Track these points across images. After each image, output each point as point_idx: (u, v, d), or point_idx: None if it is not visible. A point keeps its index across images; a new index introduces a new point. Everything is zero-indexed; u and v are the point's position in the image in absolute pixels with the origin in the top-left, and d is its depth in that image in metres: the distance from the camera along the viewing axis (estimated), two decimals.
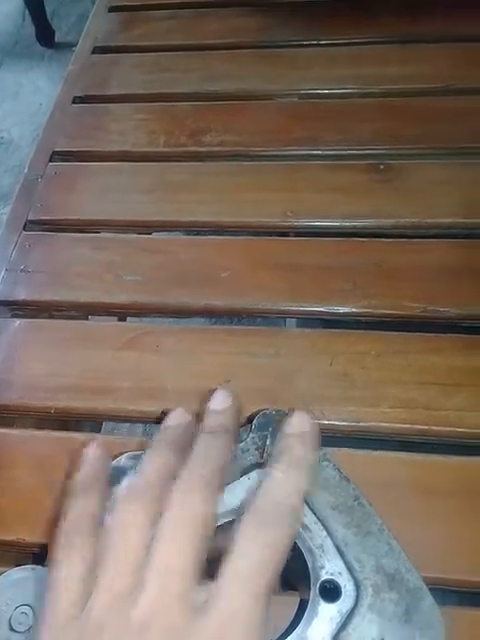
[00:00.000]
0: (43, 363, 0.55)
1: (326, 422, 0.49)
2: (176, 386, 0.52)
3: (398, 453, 0.48)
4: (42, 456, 0.50)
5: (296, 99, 0.73)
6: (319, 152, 0.68)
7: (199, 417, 0.38)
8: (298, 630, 0.31)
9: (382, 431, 0.49)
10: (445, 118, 0.68)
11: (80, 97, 0.77)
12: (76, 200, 0.68)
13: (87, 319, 0.62)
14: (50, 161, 0.71)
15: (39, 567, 0.39)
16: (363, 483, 0.39)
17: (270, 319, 0.60)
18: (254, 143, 0.70)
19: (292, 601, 0.38)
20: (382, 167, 0.65)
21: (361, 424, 0.50)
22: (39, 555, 0.46)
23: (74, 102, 0.77)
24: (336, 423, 0.50)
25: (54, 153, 0.72)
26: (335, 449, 0.46)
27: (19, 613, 0.37)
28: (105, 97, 0.77)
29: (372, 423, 0.50)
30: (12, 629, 0.36)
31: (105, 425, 0.57)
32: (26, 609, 0.37)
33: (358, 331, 0.55)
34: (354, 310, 0.56)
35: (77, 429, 0.54)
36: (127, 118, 0.75)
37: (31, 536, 0.45)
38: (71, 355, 0.55)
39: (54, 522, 0.45)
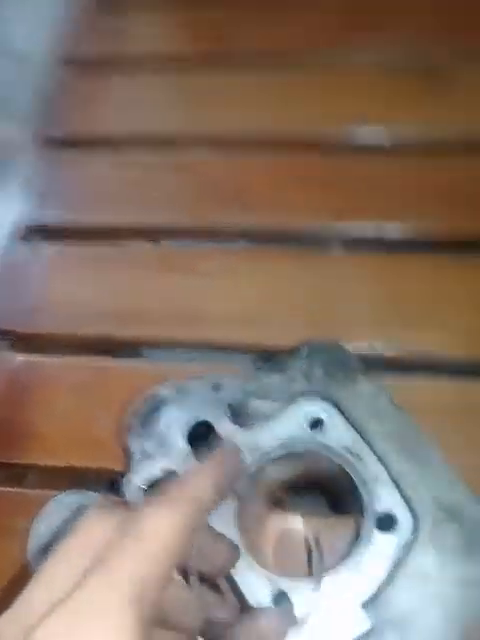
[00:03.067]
0: (76, 289, 0.53)
1: (376, 349, 0.47)
2: (216, 311, 0.50)
3: (453, 381, 0.45)
4: (82, 382, 0.49)
5: None
6: (371, 57, 0.62)
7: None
8: (355, 561, 0.30)
9: (437, 359, 0.46)
10: None
11: (101, 1, 0.71)
12: (98, 114, 0.64)
13: (116, 242, 0.60)
14: (69, 70, 0.66)
15: (88, 492, 0.38)
16: (415, 412, 0.36)
17: (314, 241, 0.57)
18: (293, 48, 0.64)
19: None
20: (439, 74, 0.59)
21: (414, 351, 0.47)
22: (92, 479, 0.46)
23: (95, 5, 0.71)
24: (383, 350, 0.47)
25: (73, 62, 0.67)
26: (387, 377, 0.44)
27: None
28: (127, 2, 0.70)
29: (426, 350, 0.47)
30: None
31: (144, 352, 0.56)
32: None
33: (410, 253, 0.51)
34: (405, 231, 0.53)
35: (116, 355, 0.53)
36: (153, 22, 0.69)
37: (80, 461, 0.45)
38: (105, 280, 0.53)
39: (100, 446, 0.46)
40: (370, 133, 0.58)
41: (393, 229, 0.52)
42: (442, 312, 0.48)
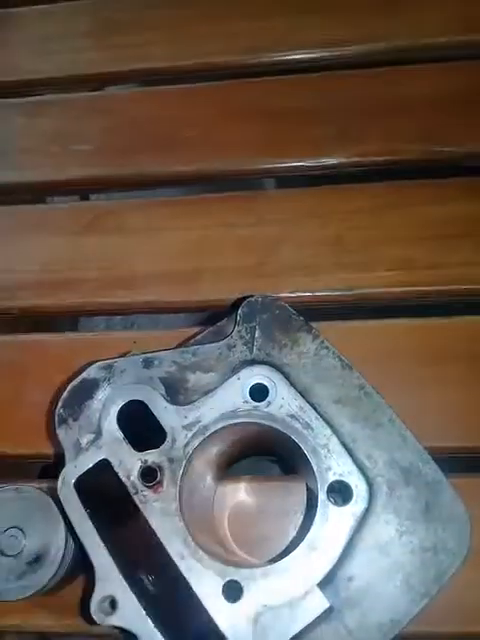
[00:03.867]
0: None
1: (318, 294, 0.45)
2: (148, 270, 0.46)
3: (397, 319, 0.44)
4: (9, 363, 0.45)
5: None
6: None
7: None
8: (308, 538, 0.28)
9: (379, 297, 0.45)
10: None
11: None
12: (6, 56, 0.57)
13: (43, 202, 0.55)
14: None
15: (24, 486, 0.36)
16: (360, 356, 0.34)
17: (248, 181, 0.53)
18: None
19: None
20: None
21: (355, 292, 0.45)
22: (20, 466, 0.43)
23: None
24: (328, 294, 0.45)
25: None
26: (329, 323, 0.41)
27: (8, 537, 0.34)
28: None
29: (368, 290, 0.45)
30: (3, 554, 0.34)
31: (82, 321, 0.52)
32: (15, 532, 0.34)
33: (349, 185, 0.48)
34: (343, 160, 0.49)
35: (49, 329, 0.49)
36: None
37: (11, 448, 0.42)
38: (26, 246, 0.49)
39: (32, 433, 0.43)
40: (300, 56, 0.53)
41: (332, 160, 0.49)
42: (384, 248, 0.45)
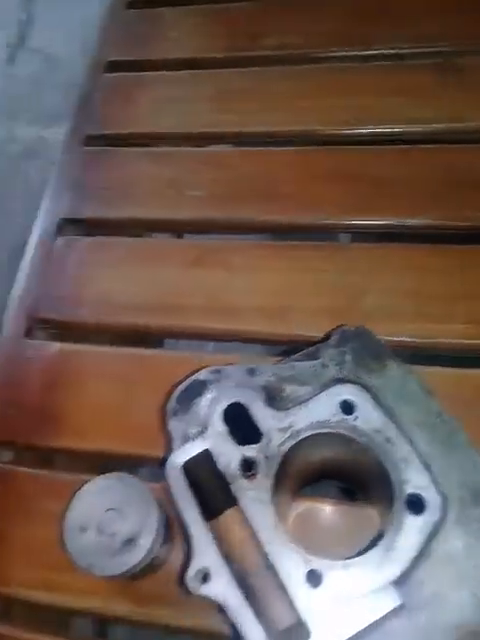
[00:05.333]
0: (112, 281, 0.55)
1: (398, 339, 0.48)
2: (245, 304, 0.52)
3: (473, 369, 0.47)
4: (117, 372, 0.51)
5: None
6: (384, 51, 0.63)
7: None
8: (385, 541, 0.31)
9: (456, 348, 0.48)
10: None
11: (132, 2, 0.73)
12: (135, 112, 0.66)
13: (150, 236, 0.62)
14: (105, 72, 0.69)
15: (124, 474, 0.40)
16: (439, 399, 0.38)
17: (337, 234, 0.58)
18: (317, 44, 0.65)
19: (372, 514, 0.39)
20: (451, 66, 0.60)
21: (434, 340, 0.48)
22: (123, 463, 0.48)
23: (127, 8, 0.73)
24: (408, 340, 0.49)
25: (109, 63, 0.69)
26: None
27: (107, 517, 0.38)
28: (158, 1, 0.72)
29: (446, 340, 0.48)
30: (101, 532, 0.38)
31: (166, 343, 0.57)
32: (113, 514, 0.39)
33: (429, 245, 0.53)
34: (424, 222, 0.54)
35: (150, 346, 0.55)
36: (182, 23, 0.70)
37: (114, 447, 0.47)
38: (139, 273, 0.55)
39: (133, 434, 0.48)
40: (388, 128, 0.59)
41: (413, 221, 0.54)
42: (462, 303, 0.49)
